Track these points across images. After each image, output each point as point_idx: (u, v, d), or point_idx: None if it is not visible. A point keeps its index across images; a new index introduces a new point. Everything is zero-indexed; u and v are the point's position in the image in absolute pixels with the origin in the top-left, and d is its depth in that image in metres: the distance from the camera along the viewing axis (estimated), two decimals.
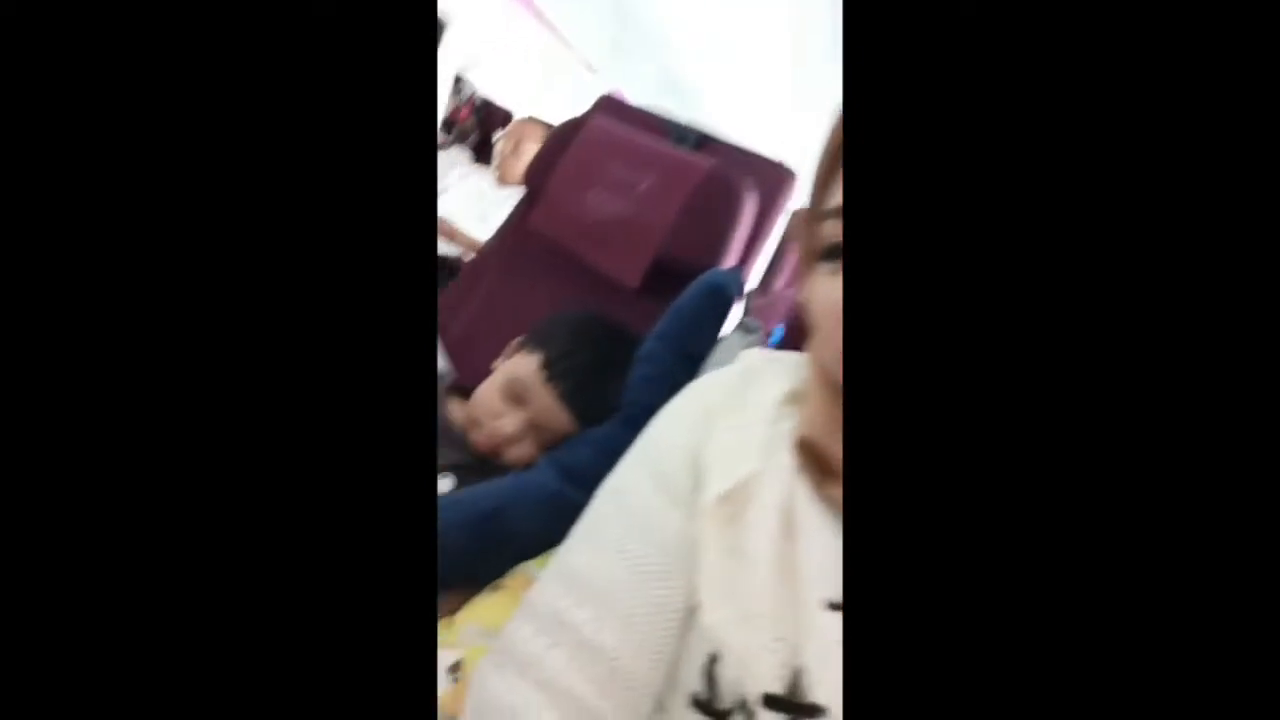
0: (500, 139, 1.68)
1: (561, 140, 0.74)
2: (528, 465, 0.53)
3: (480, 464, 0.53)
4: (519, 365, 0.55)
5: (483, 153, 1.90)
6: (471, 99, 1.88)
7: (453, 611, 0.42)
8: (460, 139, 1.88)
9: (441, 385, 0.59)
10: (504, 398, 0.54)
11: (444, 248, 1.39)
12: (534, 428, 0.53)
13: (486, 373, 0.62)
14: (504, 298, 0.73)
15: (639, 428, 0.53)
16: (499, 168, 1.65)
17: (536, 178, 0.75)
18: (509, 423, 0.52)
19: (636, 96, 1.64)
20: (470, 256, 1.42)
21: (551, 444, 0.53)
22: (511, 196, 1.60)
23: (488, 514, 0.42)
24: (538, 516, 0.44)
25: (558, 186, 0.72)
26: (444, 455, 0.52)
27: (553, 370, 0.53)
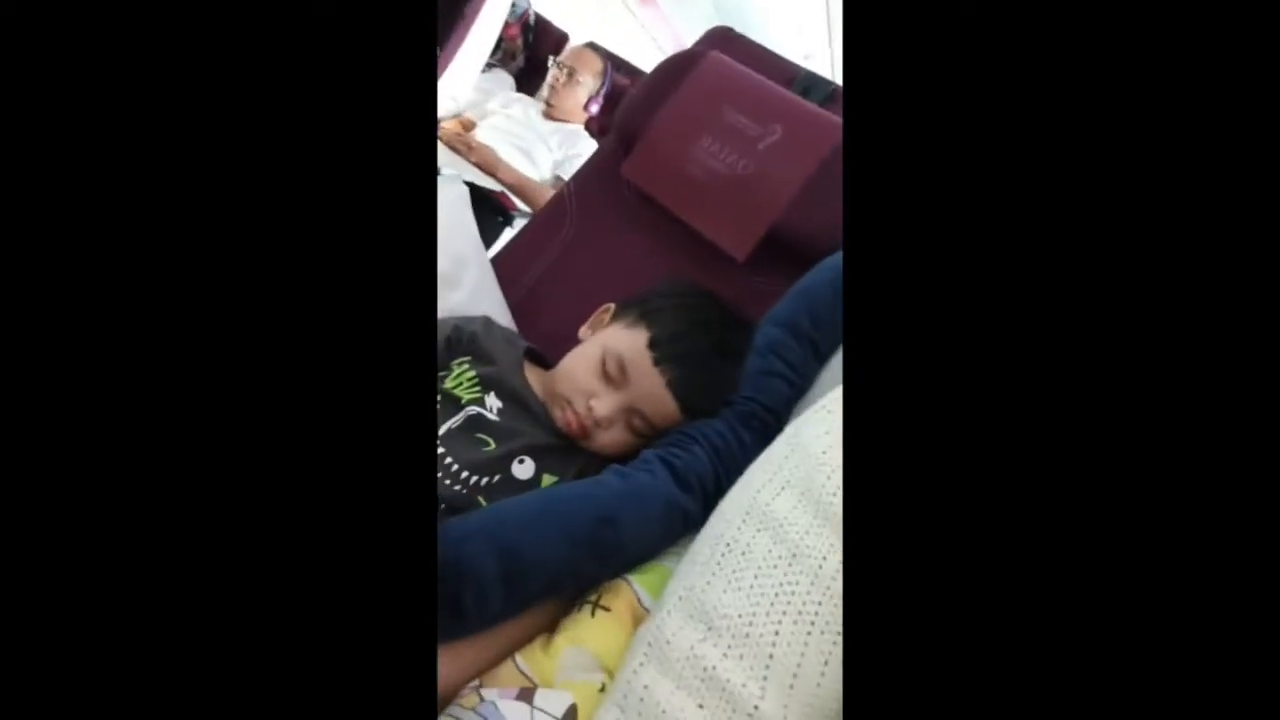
0: (554, 66, 1.52)
1: (668, 76, 0.63)
2: (621, 453, 0.46)
3: (564, 446, 0.47)
4: (620, 340, 0.47)
5: (528, 81, 1.73)
6: (525, 16, 1.70)
7: (546, 630, 0.37)
8: (505, 62, 1.71)
9: (513, 350, 0.51)
10: (600, 375, 0.46)
11: (484, 180, 1.27)
12: (630, 411, 0.46)
13: (563, 340, 0.54)
14: (584, 255, 0.65)
15: (754, 429, 0.46)
16: (550, 100, 1.50)
17: (633, 119, 0.64)
18: (605, 404, 0.45)
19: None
20: (511, 193, 1.31)
21: (645, 430, 0.47)
22: (563, 132, 1.48)
23: (599, 522, 0.36)
24: (653, 528, 0.38)
25: (661, 131, 0.62)
26: (523, 434, 0.45)
27: (663, 352, 0.45)
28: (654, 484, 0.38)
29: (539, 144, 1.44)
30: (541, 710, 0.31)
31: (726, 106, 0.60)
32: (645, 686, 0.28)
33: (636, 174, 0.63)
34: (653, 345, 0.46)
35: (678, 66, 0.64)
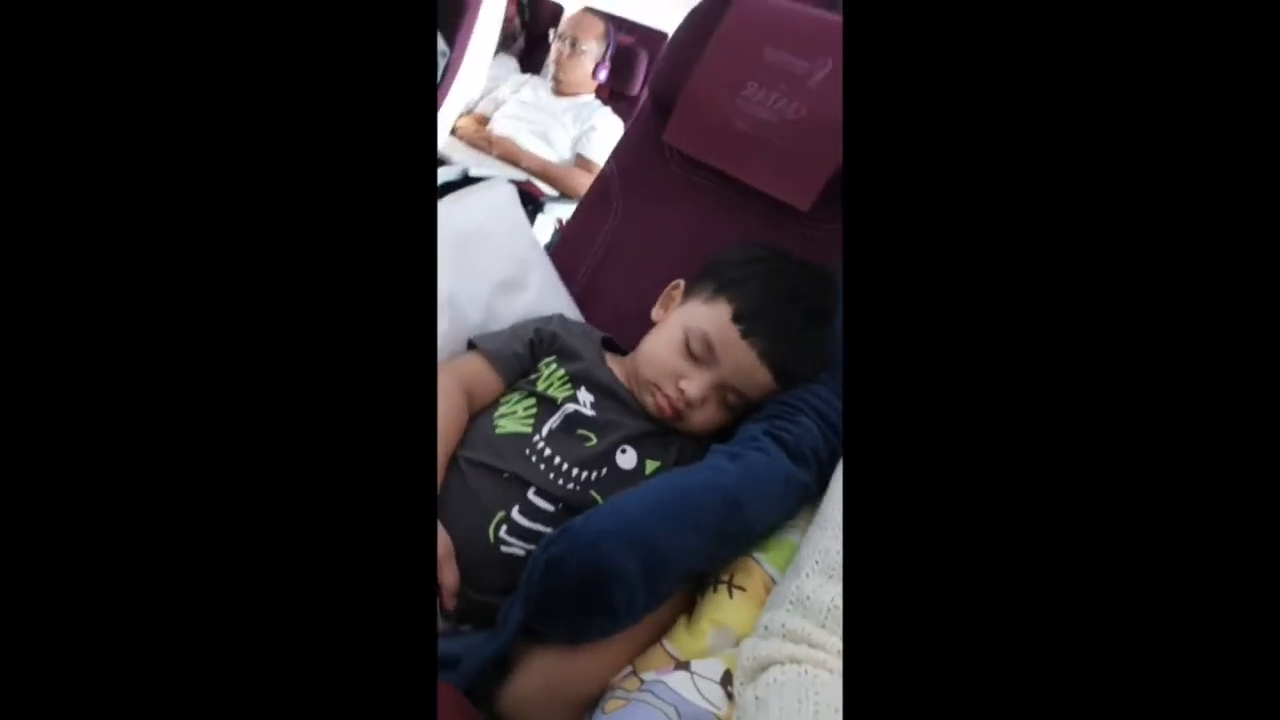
0: (555, 39, 1.46)
1: (697, 27, 0.59)
2: (717, 430, 0.46)
3: (660, 431, 0.47)
4: (701, 317, 0.46)
5: (531, 59, 1.68)
6: None
7: (684, 611, 0.37)
8: (505, 46, 1.66)
9: (591, 342, 0.51)
10: (685, 355, 0.45)
11: (510, 172, 1.26)
12: (722, 388, 0.45)
13: (633, 323, 0.54)
14: (637, 235, 0.63)
15: None
16: (557, 75, 1.46)
17: (666, 80, 0.61)
18: (696, 384, 0.45)
19: None
20: (537, 180, 1.30)
21: (739, 405, 0.46)
22: (577, 106, 1.44)
23: (725, 507, 0.35)
24: (774, 505, 0.38)
25: (698, 87, 0.58)
26: (620, 425, 0.45)
27: (750, 325, 0.44)
28: (770, 463, 0.38)
29: (554, 124, 1.41)
30: (700, 675, 0.32)
31: (767, 46, 0.55)
32: (783, 625, 0.29)
33: (679, 138, 0.60)
34: (738, 319, 0.44)
35: (706, 13, 0.59)
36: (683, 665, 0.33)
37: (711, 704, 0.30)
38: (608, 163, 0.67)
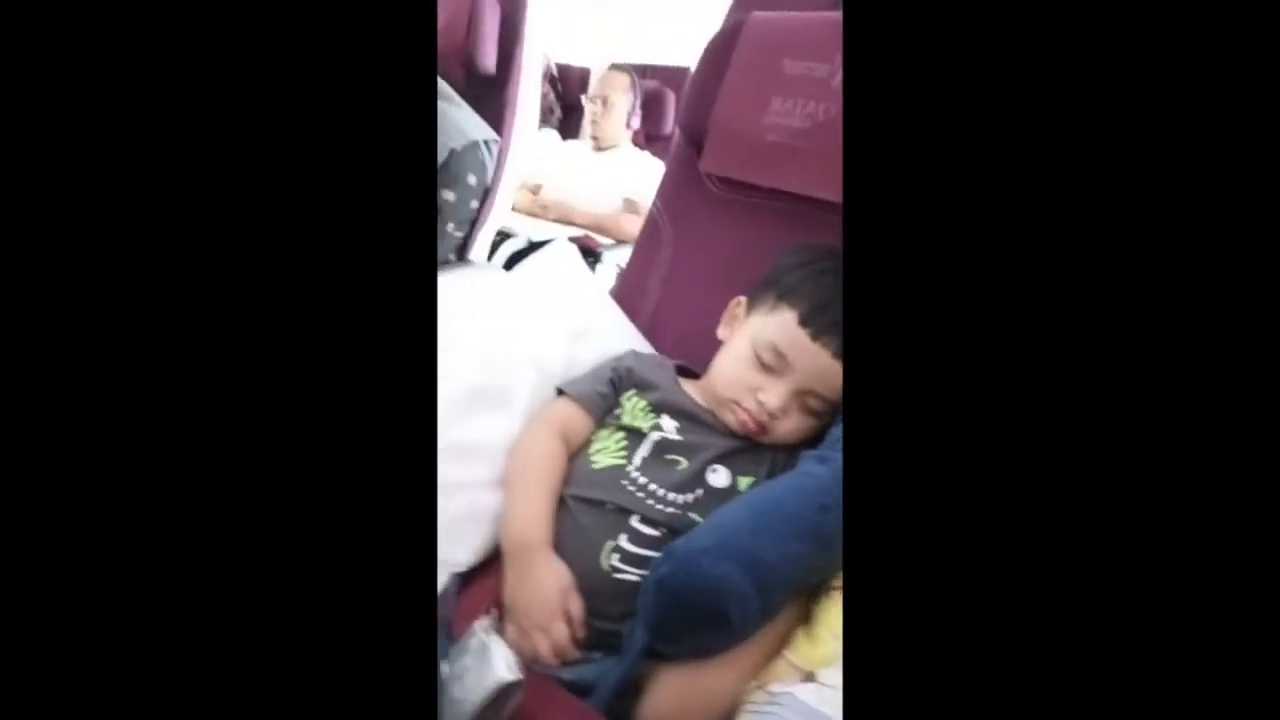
0: (586, 101, 1.58)
1: (715, 57, 0.63)
2: (806, 438, 0.46)
3: (748, 447, 0.47)
4: (767, 328, 0.47)
5: (569, 125, 1.82)
6: (548, 70, 1.80)
7: (800, 622, 0.37)
8: (544, 120, 1.82)
9: (665, 370, 0.54)
10: (758, 368, 0.46)
11: (567, 231, 1.35)
12: (801, 394, 0.45)
13: (702, 348, 0.56)
14: (691, 264, 0.66)
15: None
16: (594, 135, 1.56)
17: (694, 114, 0.64)
18: (774, 395, 0.45)
19: None
20: (597, 236, 1.38)
21: (823, 409, 0.46)
22: (616, 158, 1.53)
23: (819, 510, 0.35)
24: None
25: (726, 113, 0.61)
26: (708, 446, 0.47)
27: (818, 325, 0.44)
28: None
29: (599, 178, 1.51)
30: (826, 685, 0.31)
31: (785, 60, 0.58)
32: None
33: (716, 165, 0.63)
34: (805, 322, 0.45)
35: (721, 43, 0.63)
36: (809, 676, 0.32)
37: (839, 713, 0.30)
38: (654, 202, 0.71)
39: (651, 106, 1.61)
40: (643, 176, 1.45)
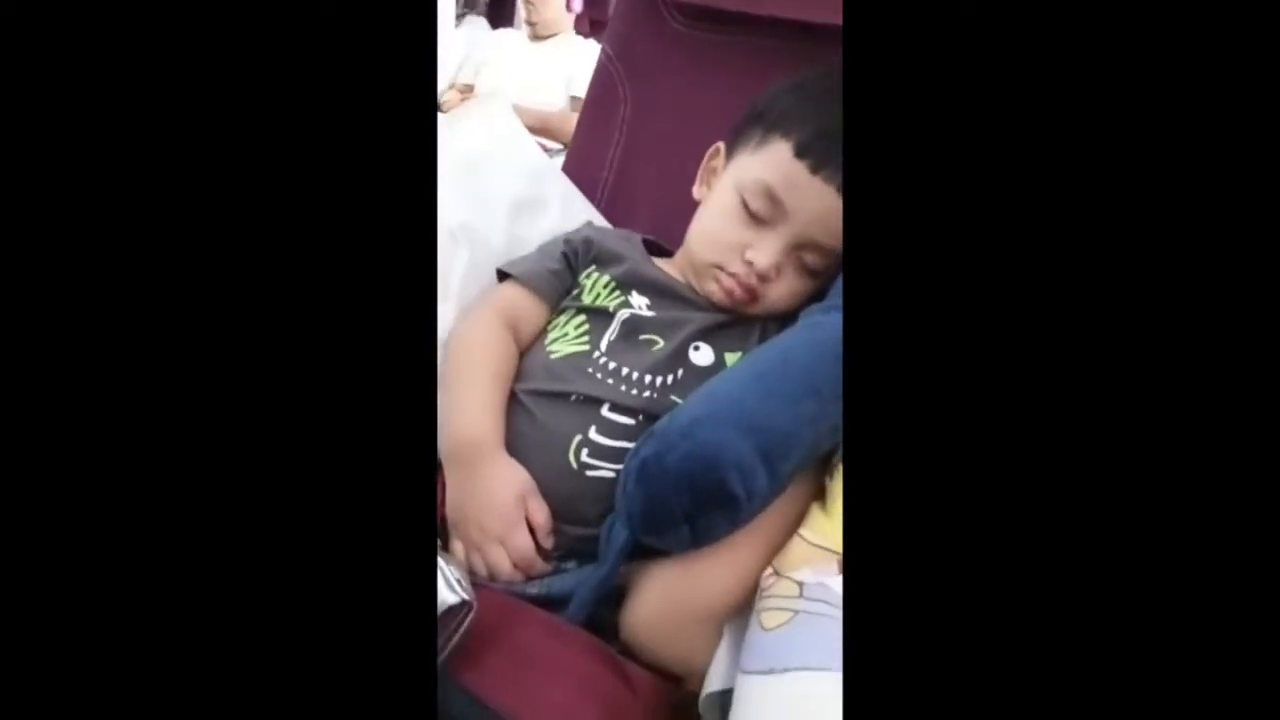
0: None
1: None
2: (800, 304, 0.38)
3: (734, 320, 0.40)
4: (755, 168, 0.38)
5: (499, 12, 1.58)
6: None
7: (816, 497, 0.31)
8: (469, 7, 1.57)
9: (631, 243, 0.44)
10: (746, 220, 0.38)
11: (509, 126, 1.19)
12: (798, 247, 0.37)
13: (676, 219, 0.46)
14: (655, 119, 0.55)
15: None
16: (530, 20, 1.36)
17: None
18: (766, 251, 0.37)
19: None
20: (542, 139, 1.22)
21: (821, 266, 0.38)
22: (558, 47, 1.34)
23: (836, 360, 0.28)
24: None
25: None
26: (687, 321, 0.39)
27: (819, 154, 0.35)
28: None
29: (540, 72, 1.32)
30: None
31: None
32: None
33: None
34: (802, 152, 0.36)
35: None
36: (834, 559, 0.27)
37: None
38: (602, 51, 0.58)
39: None
40: (590, 69, 1.28)
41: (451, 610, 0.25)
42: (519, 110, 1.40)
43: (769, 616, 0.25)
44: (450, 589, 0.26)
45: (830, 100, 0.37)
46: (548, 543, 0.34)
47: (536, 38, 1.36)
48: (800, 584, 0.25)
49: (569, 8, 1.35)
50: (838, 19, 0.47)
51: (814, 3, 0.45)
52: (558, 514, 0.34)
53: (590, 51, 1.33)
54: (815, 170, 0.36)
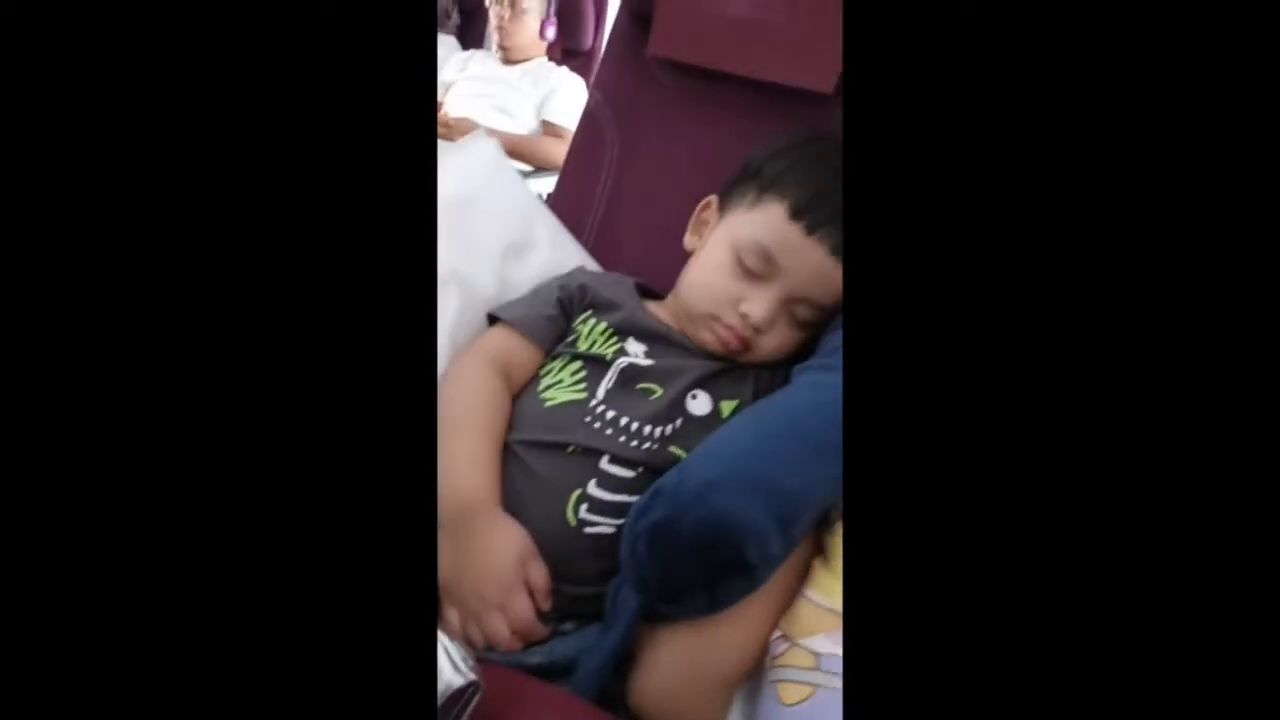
0: (491, 3, 1.36)
1: None
2: (792, 353, 0.40)
3: (729, 368, 0.41)
4: (750, 226, 0.39)
5: (471, 33, 1.57)
6: None
7: (814, 554, 0.32)
8: (441, 25, 1.55)
9: (624, 288, 0.45)
10: (740, 275, 0.39)
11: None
12: (790, 302, 0.39)
13: (662, 264, 0.47)
14: (641, 166, 0.56)
15: None
16: (502, 43, 1.35)
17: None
18: (759, 305, 0.38)
19: None
20: (513, 161, 1.21)
21: (813, 318, 0.40)
22: (531, 72, 1.34)
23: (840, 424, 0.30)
24: None
25: None
26: (684, 369, 0.40)
27: (814, 216, 0.37)
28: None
29: (511, 94, 1.32)
30: None
31: None
32: None
33: (667, 47, 0.53)
34: (797, 214, 0.38)
35: None
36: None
37: None
38: (591, 94, 0.59)
39: (569, 15, 1.42)
40: (564, 94, 1.29)
41: (457, 693, 0.24)
42: (489, 132, 1.38)
43: (787, 690, 0.25)
44: (455, 670, 0.24)
45: (823, 163, 0.39)
46: (546, 605, 0.33)
47: (508, 61, 1.36)
48: (816, 655, 0.26)
49: (542, 35, 1.36)
50: (828, 88, 0.50)
51: (792, 69, 0.48)
52: (555, 573, 0.34)
53: (563, 78, 1.33)
54: (809, 232, 0.37)
